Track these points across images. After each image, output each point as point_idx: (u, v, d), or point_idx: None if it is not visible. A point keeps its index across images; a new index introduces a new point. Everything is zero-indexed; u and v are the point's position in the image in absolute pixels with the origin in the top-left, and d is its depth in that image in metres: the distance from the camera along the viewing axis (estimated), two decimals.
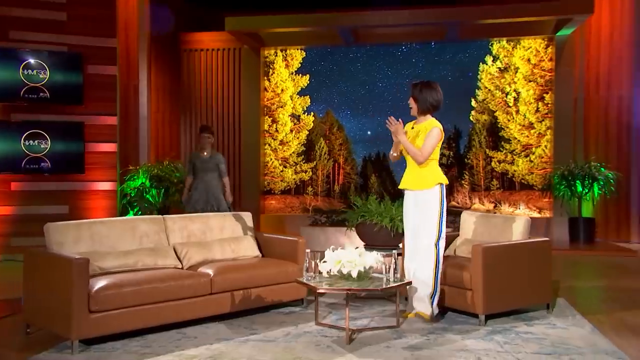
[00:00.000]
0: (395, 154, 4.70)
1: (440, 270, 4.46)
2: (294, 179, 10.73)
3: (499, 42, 10.02)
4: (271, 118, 10.77)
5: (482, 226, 4.98)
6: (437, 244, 4.44)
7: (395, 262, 4.11)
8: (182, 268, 4.64)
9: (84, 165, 7.85)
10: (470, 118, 10.10)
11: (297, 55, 10.70)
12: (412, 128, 4.61)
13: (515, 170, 9.91)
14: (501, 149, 9.95)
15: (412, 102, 4.59)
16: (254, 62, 10.70)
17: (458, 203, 10.07)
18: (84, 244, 4.36)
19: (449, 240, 5.09)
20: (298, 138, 10.71)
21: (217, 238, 5.06)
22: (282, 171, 10.76)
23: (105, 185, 8.07)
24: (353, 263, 4.03)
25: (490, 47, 10.05)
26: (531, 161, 9.84)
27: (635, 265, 7.34)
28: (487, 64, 10.05)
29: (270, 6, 10.53)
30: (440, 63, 10.23)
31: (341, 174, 10.65)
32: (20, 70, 7.55)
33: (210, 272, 4.47)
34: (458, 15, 9.48)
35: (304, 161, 10.70)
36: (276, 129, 10.76)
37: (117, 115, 8.08)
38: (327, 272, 4.13)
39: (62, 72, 7.70)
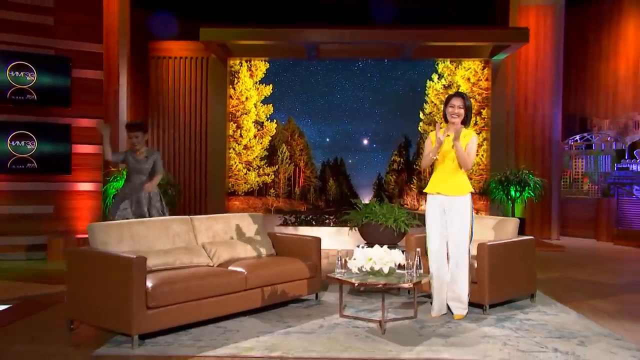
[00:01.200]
0: (435, 157, 4.54)
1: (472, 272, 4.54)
2: (257, 181, 10.73)
3: (444, 62, 10.53)
4: (236, 124, 10.71)
5: (475, 227, 5.28)
6: (469, 249, 4.48)
7: (420, 259, 4.31)
8: (212, 266, 4.62)
9: (71, 167, 7.51)
10: (419, 128, 10.54)
11: (261, 66, 10.71)
12: (448, 136, 4.48)
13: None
14: None
15: (460, 112, 4.49)
16: (220, 71, 10.61)
17: (407, 204, 10.47)
18: (126, 243, 4.26)
19: None
20: (261, 143, 10.72)
21: (238, 237, 5.07)
22: (245, 174, 10.73)
23: (90, 186, 7.76)
24: (383, 260, 4.19)
25: (436, 66, 10.54)
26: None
27: (570, 259, 8.00)
28: (433, 81, 10.54)
29: (235, 18, 10.52)
30: (393, 78, 10.61)
31: (301, 177, 10.77)
32: (7, 71, 7.13)
33: (243, 269, 4.48)
34: (408, 37, 9.85)
35: (266, 165, 10.73)
36: (240, 134, 10.72)
37: (102, 118, 7.76)
38: (359, 268, 4.26)
39: (50, 74, 7.35)
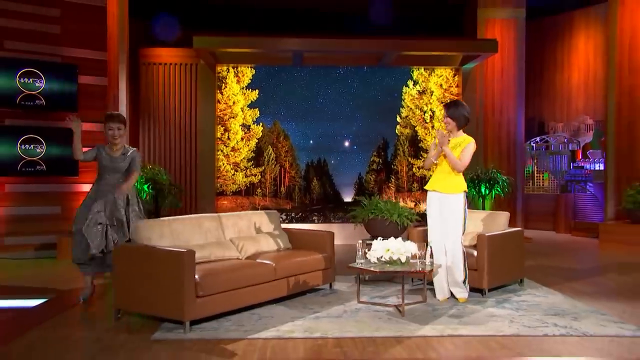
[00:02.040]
0: (435, 161, 5.00)
1: (467, 260, 4.89)
2: (245, 181, 10.93)
3: (418, 70, 11.00)
4: (223, 127, 10.88)
5: (469, 220, 5.71)
6: (462, 241, 4.86)
7: (431, 251, 4.69)
8: (240, 258, 4.87)
9: (78, 169, 7.57)
10: (396, 131, 10.98)
11: (247, 72, 10.92)
12: (449, 141, 4.90)
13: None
14: (420, 157, 10.94)
15: (449, 121, 4.94)
16: (209, 77, 10.76)
17: None
18: (167, 239, 4.48)
19: None
20: (248, 145, 10.93)
21: (260, 232, 5.34)
22: (233, 175, 10.91)
23: None
24: (400, 251, 4.55)
25: (411, 73, 11.00)
26: None
27: (538, 249, 8.60)
28: (409, 87, 10.99)
29: (222, 27, 10.72)
30: (371, 84, 11.00)
31: (287, 177, 11.04)
32: (17, 78, 7.15)
33: (271, 262, 4.76)
34: (386, 47, 10.28)
35: (253, 166, 10.94)
36: (228, 137, 10.89)
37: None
38: (377, 258, 4.60)
39: (58, 81, 7.40)
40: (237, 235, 5.14)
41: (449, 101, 5.11)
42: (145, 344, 3.72)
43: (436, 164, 5.14)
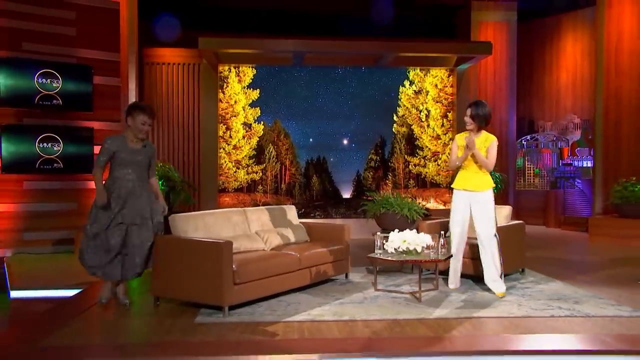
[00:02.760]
0: (459, 164, 5.15)
1: (502, 255, 5.03)
2: (246, 178, 11.26)
3: (414, 70, 11.43)
4: (225, 125, 11.20)
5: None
6: (496, 234, 5.02)
7: (444, 241, 5.08)
8: (266, 250, 5.23)
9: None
10: (393, 130, 11.40)
11: (248, 72, 11.24)
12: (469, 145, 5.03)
13: (426, 172, 11.40)
14: (416, 154, 11.39)
15: (468, 120, 5.10)
16: (211, 76, 11.07)
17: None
18: (201, 231, 4.82)
19: (446, 224, 6.14)
20: (249, 143, 11.26)
21: (281, 225, 5.70)
22: (235, 172, 11.24)
23: None
24: (416, 241, 4.94)
25: (407, 73, 11.43)
26: (438, 165, 11.38)
27: (531, 242, 8.96)
28: (405, 87, 11.42)
29: (222, 27, 11.04)
30: (369, 84, 11.40)
31: (287, 174, 11.40)
32: (35, 79, 7.40)
33: (295, 253, 5.12)
34: (384, 48, 10.70)
35: (254, 163, 11.28)
36: (230, 135, 11.21)
37: (119, 121, 8.13)
38: (395, 249, 4.99)
39: (74, 81, 7.65)
40: (261, 228, 5.49)
41: (472, 101, 5.13)
42: (191, 327, 4.07)
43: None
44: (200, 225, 4.86)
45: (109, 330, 4.18)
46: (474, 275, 5.53)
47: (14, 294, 5.47)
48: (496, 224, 5.13)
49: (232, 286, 4.33)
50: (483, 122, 5.16)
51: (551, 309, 4.53)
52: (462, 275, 5.46)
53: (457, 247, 5.25)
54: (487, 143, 5.17)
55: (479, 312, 4.47)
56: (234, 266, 4.37)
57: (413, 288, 5.30)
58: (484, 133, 5.22)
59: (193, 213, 5.03)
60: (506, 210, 6.03)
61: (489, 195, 5.13)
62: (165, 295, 4.63)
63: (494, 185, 5.27)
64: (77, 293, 5.31)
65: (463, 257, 5.41)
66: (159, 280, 4.60)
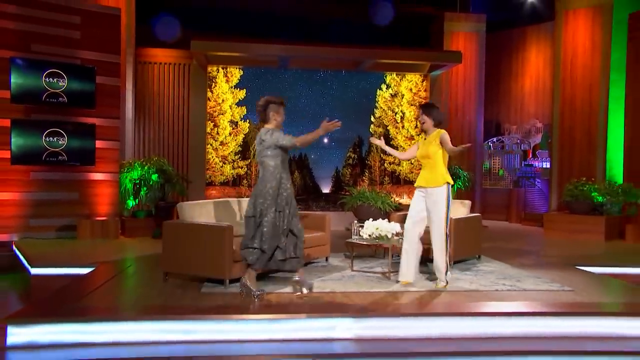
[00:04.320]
0: (394, 155, 5.84)
1: (449, 252, 5.32)
2: (232, 173, 12.09)
3: (391, 75, 12.38)
4: (213, 123, 12.00)
5: None
6: (447, 233, 5.23)
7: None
8: None
9: (95, 159, 8.59)
10: (370, 130, 12.34)
11: (235, 73, 12.06)
12: (425, 139, 5.37)
13: (400, 170, 12.37)
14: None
15: (426, 119, 5.31)
16: (200, 76, 11.86)
17: None
18: (204, 217, 5.67)
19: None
20: (236, 140, 12.09)
21: None
22: (221, 167, 12.06)
23: (109, 176, 8.86)
24: (387, 229, 5.85)
25: (385, 78, 12.38)
26: (412, 163, 12.36)
27: (493, 235, 10.12)
28: (382, 90, 12.37)
29: (212, 29, 11.85)
30: (348, 87, 12.34)
31: None
32: (43, 78, 8.11)
33: None
34: (363, 55, 11.65)
35: (240, 159, 12.11)
36: (217, 132, 12.02)
37: (118, 118, 8.88)
38: (369, 235, 5.90)
39: (78, 81, 8.38)
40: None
41: (424, 102, 5.83)
42: (198, 296, 4.91)
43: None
44: (204, 212, 5.70)
45: (129, 298, 5.00)
46: (432, 259, 6.44)
47: (34, 271, 6.24)
48: (447, 223, 5.28)
49: (232, 263, 5.18)
50: (437, 122, 5.42)
51: (496, 285, 5.49)
52: (423, 259, 6.28)
53: (408, 242, 5.40)
54: (437, 137, 5.33)
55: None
56: (234, 246, 5.23)
57: (384, 269, 6.21)
58: (436, 130, 5.42)
59: (198, 201, 5.87)
60: (466, 204, 6.99)
61: (440, 192, 5.26)
62: (173, 270, 5.46)
63: (449, 182, 5.31)
64: (90, 271, 6.09)
65: (427, 244, 6.32)
66: (168, 258, 5.44)
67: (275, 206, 4.76)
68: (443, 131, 5.31)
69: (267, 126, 5.22)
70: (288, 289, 5.17)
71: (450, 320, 4.34)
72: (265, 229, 4.72)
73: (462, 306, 4.69)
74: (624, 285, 5.72)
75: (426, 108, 5.40)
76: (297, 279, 4.99)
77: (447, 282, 5.36)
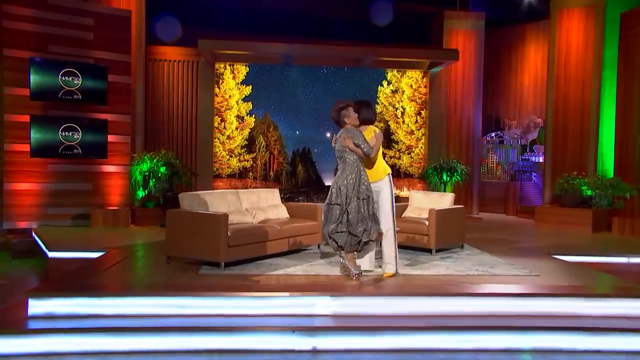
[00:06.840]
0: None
1: (397, 243, 5.64)
2: (238, 166, 12.70)
3: (392, 72, 12.87)
4: (220, 118, 12.61)
5: (424, 199, 7.62)
6: (393, 227, 5.55)
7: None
8: (254, 223, 6.67)
9: (107, 152, 9.24)
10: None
11: (242, 70, 12.64)
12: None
13: (401, 164, 12.89)
14: (392, 148, 12.86)
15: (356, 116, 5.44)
16: (208, 73, 12.46)
17: None
18: (202, 207, 6.27)
19: (403, 208, 7.62)
20: (242, 134, 12.69)
21: (267, 205, 7.15)
22: (228, 160, 12.68)
23: (120, 169, 9.52)
24: None
25: (386, 74, 12.87)
26: (412, 157, 12.87)
27: (486, 226, 10.62)
28: (383, 87, 12.87)
29: (219, 26, 12.43)
30: (351, 83, 12.86)
31: (275, 163, 12.85)
32: (59, 77, 8.76)
33: (277, 226, 6.57)
34: (365, 52, 12.17)
35: (246, 152, 12.72)
36: (224, 126, 12.63)
37: (130, 114, 9.52)
38: None
39: (92, 79, 9.02)
40: (250, 206, 6.94)
41: (358, 100, 5.74)
42: (197, 276, 5.53)
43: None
44: (203, 202, 6.30)
45: (136, 277, 5.62)
46: (416, 247, 7.01)
47: (51, 254, 6.91)
48: (393, 217, 5.56)
49: (227, 248, 5.78)
50: (367, 120, 5.69)
51: (470, 270, 6.03)
52: (407, 247, 6.95)
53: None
54: (369, 135, 5.58)
55: (416, 271, 5.96)
56: (228, 233, 5.83)
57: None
58: (368, 127, 5.66)
59: (197, 192, 6.47)
60: (449, 197, 7.51)
61: (382, 185, 5.56)
62: (175, 254, 6.08)
63: (388, 171, 5.59)
64: (101, 255, 6.73)
65: (409, 233, 6.95)
66: (170, 243, 6.05)
67: (358, 195, 5.27)
68: (373, 130, 5.57)
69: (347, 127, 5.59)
70: (278, 272, 5.76)
71: (418, 300, 4.90)
72: (351, 216, 5.27)
73: (431, 288, 5.24)
74: (589, 272, 6.22)
75: (355, 105, 5.58)
76: (345, 263, 5.50)
77: (396, 269, 5.65)
